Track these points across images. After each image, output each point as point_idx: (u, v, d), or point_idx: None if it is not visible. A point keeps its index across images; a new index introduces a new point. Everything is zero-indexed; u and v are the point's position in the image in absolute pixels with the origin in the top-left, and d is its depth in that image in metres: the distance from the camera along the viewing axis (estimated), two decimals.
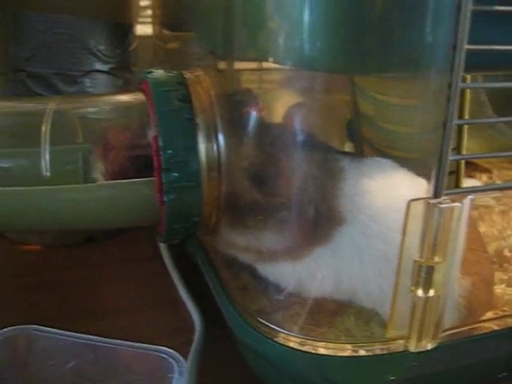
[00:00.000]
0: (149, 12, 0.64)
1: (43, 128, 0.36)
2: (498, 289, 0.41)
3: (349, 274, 0.35)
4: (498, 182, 0.56)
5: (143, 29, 0.62)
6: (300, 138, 0.33)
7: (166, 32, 0.55)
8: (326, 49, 0.29)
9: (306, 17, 0.28)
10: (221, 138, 0.36)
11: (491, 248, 0.46)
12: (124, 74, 0.57)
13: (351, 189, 0.33)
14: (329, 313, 0.38)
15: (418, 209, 0.30)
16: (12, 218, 0.40)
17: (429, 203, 0.30)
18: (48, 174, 0.36)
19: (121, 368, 0.37)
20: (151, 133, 0.37)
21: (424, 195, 0.30)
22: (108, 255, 0.56)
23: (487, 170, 0.60)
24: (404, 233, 0.31)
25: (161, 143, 0.34)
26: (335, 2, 0.28)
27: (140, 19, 0.60)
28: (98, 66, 0.54)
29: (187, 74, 0.38)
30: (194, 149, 0.35)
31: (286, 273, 0.35)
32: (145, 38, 0.62)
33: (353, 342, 0.35)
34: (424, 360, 0.34)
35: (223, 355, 0.42)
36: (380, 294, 0.35)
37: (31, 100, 0.44)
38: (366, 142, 0.42)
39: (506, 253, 0.44)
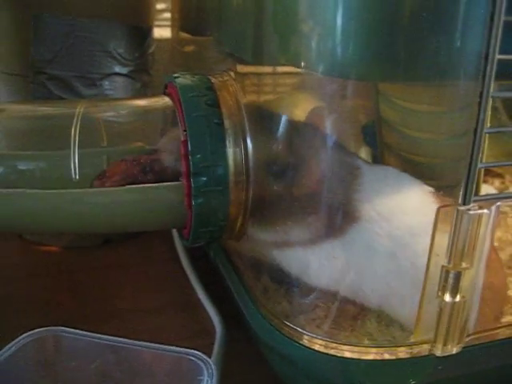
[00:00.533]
0: (165, 15, 0.65)
1: (72, 131, 0.36)
2: None
3: (358, 269, 0.36)
4: None
5: (160, 32, 0.62)
6: (327, 140, 0.33)
7: (185, 36, 0.55)
8: (357, 57, 0.29)
9: (339, 25, 0.29)
10: (248, 141, 0.36)
11: (506, 253, 0.46)
12: (142, 76, 0.57)
13: (368, 191, 0.34)
14: (350, 316, 0.38)
15: (447, 215, 0.31)
16: (37, 221, 0.40)
17: (458, 210, 0.31)
18: (77, 177, 0.36)
19: (143, 369, 0.37)
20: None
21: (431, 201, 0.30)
22: (125, 257, 0.57)
23: (499, 175, 0.60)
24: (432, 239, 0.31)
25: (190, 148, 0.35)
26: (368, 12, 0.28)
27: (157, 22, 0.61)
28: (118, 68, 0.54)
29: (214, 79, 0.38)
30: (222, 153, 0.35)
31: (307, 267, 0.36)
32: (161, 40, 0.62)
33: (377, 345, 0.35)
34: (448, 364, 0.35)
35: (244, 357, 0.42)
36: (387, 291, 0.35)
37: (58, 103, 0.45)
38: (387, 147, 0.42)
39: None
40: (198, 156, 0.35)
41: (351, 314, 0.38)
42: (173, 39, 0.62)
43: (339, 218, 0.34)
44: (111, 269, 0.55)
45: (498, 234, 0.49)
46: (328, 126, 0.34)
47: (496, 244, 0.41)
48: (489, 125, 0.31)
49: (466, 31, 0.29)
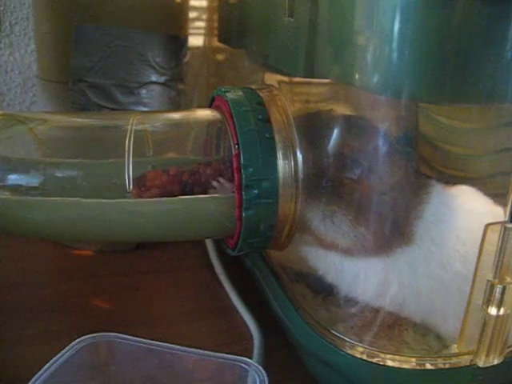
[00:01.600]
0: (198, 24, 0.66)
1: (126, 143, 0.37)
2: None
3: (403, 287, 0.37)
4: None
5: (191, 40, 0.63)
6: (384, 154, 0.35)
7: (220, 45, 0.56)
8: (410, 79, 0.31)
9: (394, 47, 0.30)
10: (298, 154, 0.37)
11: None
12: (177, 85, 0.58)
13: (429, 214, 0.35)
14: (387, 325, 0.39)
15: (495, 232, 0.32)
16: (82, 230, 0.41)
17: (505, 227, 0.32)
18: (131, 187, 0.37)
19: (186, 374, 0.38)
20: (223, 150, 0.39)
21: None
22: (157, 262, 0.58)
23: None
24: (480, 254, 0.33)
25: (242, 161, 0.36)
26: (422, 39, 0.29)
27: (190, 31, 0.62)
28: (155, 77, 0.56)
29: (262, 93, 0.39)
30: (273, 166, 0.36)
31: (355, 280, 0.37)
32: (193, 48, 0.63)
33: (419, 355, 0.36)
34: (488, 374, 0.36)
35: (283, 364, 0.43)
36: (430, 307, 0.36)
37: (101, 115, 0.46)
38: (424, 162, 0.43)
39: None
40: (251, 169, 0.36)
41: (388, 323, 0.39)
42: (206, 48, 0.63)
43: (391, 236, 0.35)
44: (145, 273, 0.56)
45: None
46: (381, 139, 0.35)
47: None
48: None
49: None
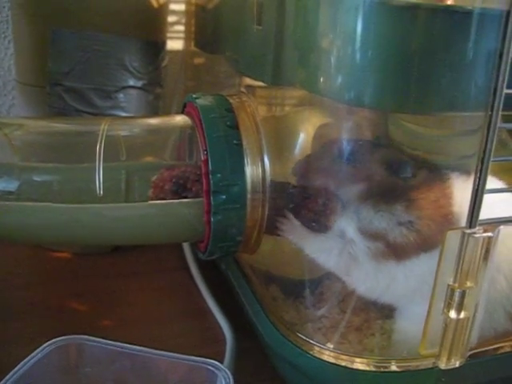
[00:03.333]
0: (177, 28, 0.66)
1: (97, 148, 0.38)
2: None
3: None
4: None
5: (170, 44, 0.64)
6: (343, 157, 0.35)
7: (198, 51, 0.57)
8: (371, 88, 0.31)
9: (356, 58, 0.31)
10: (266, 160, 0.38)
11: None
12: (155, 89, 0.59)
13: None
14: (354, 328, 0.40)
15: (454, 238, 0.33)
16: (56, 234, 0.42)
17: (464, 233, 0.33)
18: (101, 192, 0.38)
19: (158, 377, 0.38)
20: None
21: None
22: (134, 264, 0.58)
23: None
24: (440, 259, 0.33)
25: (210, 167, 0.36)
26: (383, 48, 0.30)
27: (168, 34, 0.62)
28: (132, 82, 0.56)
29: (232, 100, 0.40)
30: (240, 172, 0.37)
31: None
32: (171, 52, 0.64)
33: (386, 357, 0.37)
34: (451, 376, 0.37)
35: (254, 366, 0.44)
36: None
37: (77, 120, 0.46)
38: None
39: None
40: (218, 175, 0.36)
41: (355, 325, 0.40)
42: (184, 52, 0.63)
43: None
44: (122, 276, 0.56)
45: None
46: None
47: None
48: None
49: (475, 68, 0.31)
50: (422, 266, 0.36)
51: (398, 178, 0.36)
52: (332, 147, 0.37)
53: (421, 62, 0.30)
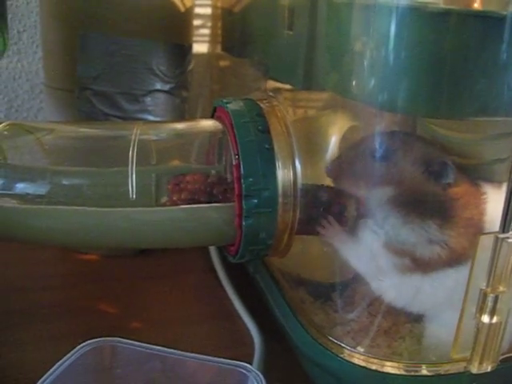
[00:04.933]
0: (202, 31, 0.67)
1: (130, 153, 0.38)
2: None
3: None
4: None
5: (196, 47, 0.64)
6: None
7: (223, 54, 0.57)
8: (405, 93, 0.31)
9: (390, 64, 0.31)
10: (297, 164, 0.38)
11: None
12: (182, 92, 0.59)
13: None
14: (383, 331, 0.40)
15: (488, 242, 0.33)
16: (86, 237, 0.42)
17: (497, 237, 0.33)
18: (134, 196, 0.38)
19: (188, 378, 0.39)
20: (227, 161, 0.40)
21: None
22: (162, 267, 0.59)
23: None
24: (472, 263, 0.33)
25: (242, 172, 0.37)
26: (417, 55, 0.30)
27: (194, 38, 0.63)
28: (159, 85, 0.57)
29: (262, 104, 0.40)
30: (272, 176, 0.37)
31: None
32: (197, 55, 0.64)
33: (416, 361, 0.37)
34: (482, 380, 0.37)
35: (283, 369, 0.44)
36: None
37: (108, 124, 0.47)
38: None
39: None
40: (250, 179, 0.37)
41: (383, 328, 0.40)
42: (210, 55, 0.64)
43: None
44: (149, 278, 0.57)
45: None
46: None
47: None
48: None
49: (508, 73, 0.31)
50: (449, 279, 0.36)
51: (436, 185, 0.35)
52: (360, 145, 0.37)
53: (454, 67, 0.30)
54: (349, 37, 0.33)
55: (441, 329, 0.38)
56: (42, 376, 0.33)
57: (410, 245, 0.35)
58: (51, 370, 0.34)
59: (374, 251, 0.36)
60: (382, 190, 0.36)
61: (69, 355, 0.35)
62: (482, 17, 0.30)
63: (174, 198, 0.40)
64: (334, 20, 0.34)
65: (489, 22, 0.30)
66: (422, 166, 0.35)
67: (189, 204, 0.40)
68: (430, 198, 0.35)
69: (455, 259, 0.35)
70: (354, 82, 0.33)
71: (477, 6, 0.35)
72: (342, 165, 0.37)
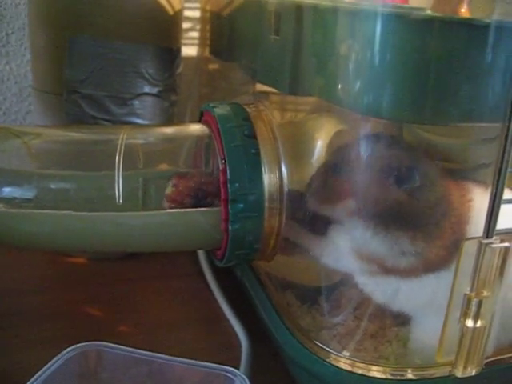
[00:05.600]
0: (191, 34, 0.67)
1: (116, 158, 0.38)
2: None
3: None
4: None
5: (184, 50, 0.64)
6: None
7: (212, 58, 0.57)
8: (390, 99, 0.32)
9: (375, 71, 0.31)
10: (283, 168, 0.38)
11: None
12: (170, 96, 0.59)
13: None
14: (369, 335, 0.40)
15: (471, 247, 0.33)
16: (73, 241, 0.42)
17: (481, 243, 0.33)
18: (121, 201, 0.38)
19: (174, 382, 0.39)
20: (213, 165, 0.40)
21: None
22: (149, 270, 0.59)
23: None
24: (457, 268, 0.34)
25: (229, 176, 0.37)
26: (402, 63, 0.30)
27: (183, 41, 0.63)
28: (148, 89, 0.57)
29: (249, 109, 0.41)
30: (258, 181, 0.37)
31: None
32: (186, 58, 0.64)
33: (402, 365, 0.37)
34: None
35: (270, 373, 0.44)
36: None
37: (96, 128, 0.47)
38: None
39: None
40: (236, 184, 0.37)
41: (370, 332, 0.40)
42: (198, 59, 0.64)
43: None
44: (136, 281, 0.57)
45: None
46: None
47: None
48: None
49: (492, 79, 0.31)
50: (429, 284, 0.36)
51: (403, 193, 0.34)
52: (336, 154, 0.37)
53: (438, 73, 0.30)
54: (334, 43, 0.33)
55: (425, 332, 0.38)
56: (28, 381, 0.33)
57: (379, 255, 0.35)
58: (36, 376, 0.33)
59: (346, 257, 0.36)
60: (347, 202, 0.35)
61: (54, 360, 0.35)
62: (465, 24, 0.30)
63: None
64: (320, 26, 0.34)
65: (472, 29, 0.30)
66: (387, 173, 0.34)
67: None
68: (398, 208, 0.34)
69: (432, 267, 0.35)
70: (338, 88, 0.33)
71: (464, 11, 0.35)
72: (313, 177, 0.37)
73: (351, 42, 0.32)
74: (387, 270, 0.35)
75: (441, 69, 0.30)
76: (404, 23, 0.30)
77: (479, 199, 0.35)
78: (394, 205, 0.33)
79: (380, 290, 0.36)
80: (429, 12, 0.35)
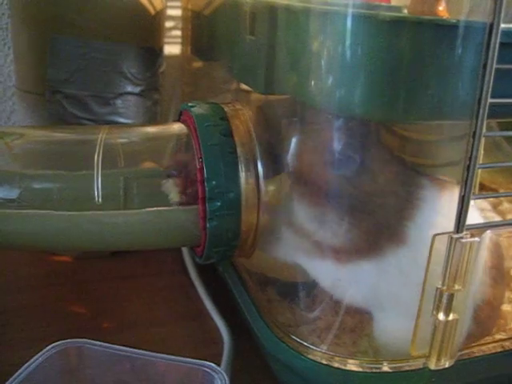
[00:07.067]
0: (174, 33, 0.67)
1: (95, 157, 0.39)
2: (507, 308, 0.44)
3: (380, 289, 0.39)
4: (506, 203, 0.59)
5: (168, 48, 0.65)
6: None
7: (194, 58, 0.58)
8: (361, 99, 0.32)
9: (345, 70, 0.32)
10: (259, 166, 0.39)
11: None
12: (153, 95, 0.60)
13: (423, 218, 0.36)
14: (348, 329, 0.41)
15: (442, 242, 0.34)
16: (56, 241, 0.43)
17: (451, 237, 0.34)
18: (100, 200, 0.39)
19: (157, 378, 0.39)
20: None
21: None
22: (133, 268, 0.59)
23: (493, 190, 0.63)
24: (428, 263, 0.34)
25: (205, 175, 0.37)
26: (372, 62, 0.31)
27: (165, 39, 0.63)
28: (130, 88, 0.57)
29: (226, 108, 0.41)
30: (235, 179, 0.38)
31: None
32: (169, 57, 0.65)
33: (378, 359, 0.38)
34: (441, 376, 0.38)
35: (251, 368, 0.45)
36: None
37: (77, 129, 0.47)
38: None
39: None
40: (213, 182, 0.37)
41: (349, 326, 0.41)
42: (181, 57, 0.64)
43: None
44: (121, 279, 0.57)
45: None
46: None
47: None
48: (481, 159, 0.34)
49: (460, 79, 0.32)
50: (370, 274, 0.37)
51: (340, 177, 0.36)
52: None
53: (407, 73, 0.31)
54: (306, 43, 0.34)
55: (386, 326, 0.39)
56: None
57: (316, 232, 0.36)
58: (16, 374, 0.34)
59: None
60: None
61: (35, 358, 0.36)
62: (433, 24, 0.30)
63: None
64: (292, 26, 0.34)
65: (439, 29, 0.30)
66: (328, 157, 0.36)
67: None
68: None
69: (365, 253, 0.36)
70: (310, 88, 0.34)
71: (442, 9, 0.36)
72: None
73: (322, 42, 0.32)
74: (322, 251, 0.36)
75: (410, 68, 0.31)
76: (372, 24, 0.30)
77: (433, 198, 0.37)
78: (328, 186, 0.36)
79: (329, 276, 0.38)
80: (405, 12, 0.36)
